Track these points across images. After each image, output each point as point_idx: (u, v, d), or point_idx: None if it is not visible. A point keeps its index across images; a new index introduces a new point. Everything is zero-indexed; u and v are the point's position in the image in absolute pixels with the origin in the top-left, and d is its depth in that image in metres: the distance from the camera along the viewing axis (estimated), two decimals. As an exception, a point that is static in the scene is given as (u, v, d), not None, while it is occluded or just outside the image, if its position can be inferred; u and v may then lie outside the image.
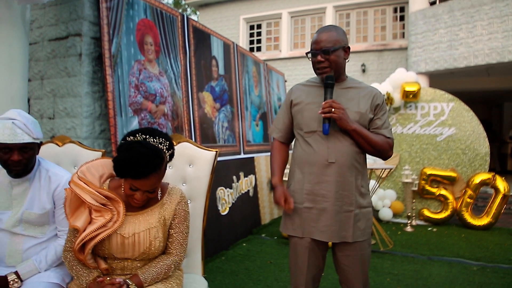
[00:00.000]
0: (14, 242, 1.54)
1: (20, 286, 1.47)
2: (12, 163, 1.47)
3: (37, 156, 1.61)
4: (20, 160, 1.47)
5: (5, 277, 1.45)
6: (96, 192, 1.38)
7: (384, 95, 5.08)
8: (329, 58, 1.59)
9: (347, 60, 1.67)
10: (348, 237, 1.60)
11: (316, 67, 1.65)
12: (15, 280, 1.46)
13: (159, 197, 1.48)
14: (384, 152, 1.65)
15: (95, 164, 1.47)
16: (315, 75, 1.72)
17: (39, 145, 1.58)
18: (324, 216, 1.60)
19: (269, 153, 5.15)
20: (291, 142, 1.82)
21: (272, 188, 1.72)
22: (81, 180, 1.39)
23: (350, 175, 1.60)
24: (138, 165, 1.29)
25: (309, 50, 1.67)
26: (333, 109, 1.53)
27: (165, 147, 1.40)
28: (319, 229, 1.60)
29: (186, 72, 3.47)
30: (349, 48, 1.66)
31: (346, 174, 1.59)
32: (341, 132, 1.60)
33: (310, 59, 1.67)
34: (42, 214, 1.55)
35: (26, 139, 1.46)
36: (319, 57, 1.61)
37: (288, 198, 1.61)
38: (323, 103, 1.56)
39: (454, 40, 7.46)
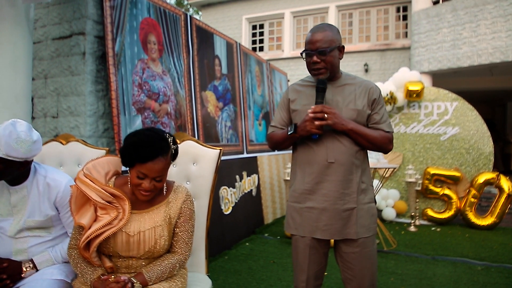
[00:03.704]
0: (19, 242, 1.55)
1: (34, 273, 1.51)
2: None
3: (33, 163, 1.58)
4: None
5: (20, 263, 1.49)
6: (101, 189, 1.37)
7: (387, 94, 5.07)
8: (325, 59, 1.57)
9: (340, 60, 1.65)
10: (352, 233, 1.59)
11: (311, 68, 1.62)
12: (30, 265, 1.50)
13: (164, 194, 1.48)
14: (384, 147, 1.63)
15: (101, 161, 1.47)
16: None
17: (21, 162, 1.48)
18: (325, 215, 1.59)
19: (271, 153, 5.16)
20: None
21: (294, 128, 1.60)
22: (86, 177, 1.39)
23: (350, 173, 1.59)
24: (146, 146, 1.31)
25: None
26: (325, 115, 1.51)
27: (170, 141, 1.41)
28: (320, 228, 1.60)
29: (189, 71, 3.47)
30: (343, 47, 1.64)
31: (346, 173, 1.58)
32: (338, 131, 1.58)
33: (305, 59, 1.64)
34: (44, 220, 1.56)
35: None
36: (314, 58, 1.58)
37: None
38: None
39: (457, 40, 7.43)
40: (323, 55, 1.56)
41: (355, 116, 1.59)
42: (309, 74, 1.71)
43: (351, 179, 1.59)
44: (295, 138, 1.63)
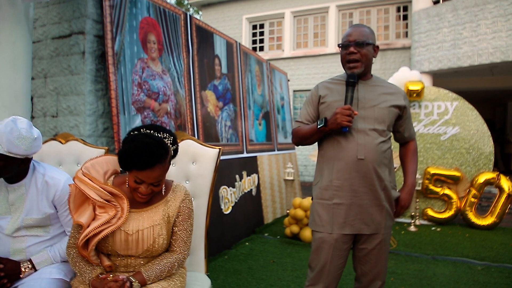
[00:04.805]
0: (17, 242, 1.54)
1: (33, 273, 1.50)
2: None
3: (32, 161, 1.58)
4: None
5: (18, 263, 1.49)
6: (100, 188, 1.37)
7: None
8: (361, 51, 1.60)
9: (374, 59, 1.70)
10: (380, 229, 1.64)
11: (347, 59, 1.64)
12: (28, 266, 1.50)
13: (163, 193, 1.48)
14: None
15: (99, 160, 1.47)
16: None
17: (22, 159, 1.49)
18: (354, 211, 1.62)
19: (271, 153, 5.16)
20: None
21: (324, 121, 1.60)
22: (85, 176, 1.39)
23: (379, 170, 1.62)
24: (143, 155, 1.29)
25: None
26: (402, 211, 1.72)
27: (169, 142, 1.40)
28: (349, 223, 1.62)
29: (189, 70, 3.47)
30: (378, 47, 1.68)
31: (375, 170, 1.61)
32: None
33: (341, 52, 1.68)
34: (42, 218, 1.56)
35: None
36: (351, 49, 1.61)
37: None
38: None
39: (457, 39, 7.42)
40: (360, 47, 1.60)
41: (386, 115, 1.63)
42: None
43: (379, 176, 1.62)
44: (325, 132, 1.64)
